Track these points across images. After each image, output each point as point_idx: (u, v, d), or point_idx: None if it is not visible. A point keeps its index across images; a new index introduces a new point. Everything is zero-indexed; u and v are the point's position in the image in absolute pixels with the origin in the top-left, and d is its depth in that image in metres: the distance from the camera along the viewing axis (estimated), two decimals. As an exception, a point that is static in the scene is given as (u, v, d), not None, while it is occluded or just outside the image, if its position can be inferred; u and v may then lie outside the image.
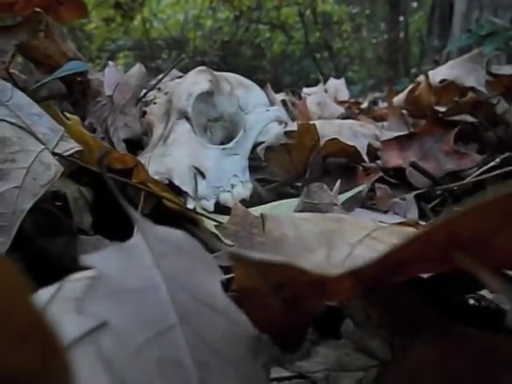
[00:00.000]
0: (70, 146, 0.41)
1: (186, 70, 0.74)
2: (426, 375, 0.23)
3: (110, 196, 0.29)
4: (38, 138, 0.37)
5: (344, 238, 0.31)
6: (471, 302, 0.37)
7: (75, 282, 0.21)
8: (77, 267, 0.34)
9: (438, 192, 0.69)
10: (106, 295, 0.19)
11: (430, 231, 0.15)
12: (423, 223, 0.45)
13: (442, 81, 0.84)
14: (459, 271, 0.22)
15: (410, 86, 0.92)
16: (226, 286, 0.24)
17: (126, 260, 0.22)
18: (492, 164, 0.70)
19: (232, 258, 0.20)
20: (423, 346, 0.23)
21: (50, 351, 0.13)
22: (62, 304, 0.19)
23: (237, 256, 0.20)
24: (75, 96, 0.72)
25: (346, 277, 0.19)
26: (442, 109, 0.78)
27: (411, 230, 0.33)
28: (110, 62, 0.78)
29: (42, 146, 0.36)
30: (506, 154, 0.71)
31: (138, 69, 0.79)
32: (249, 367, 0.20)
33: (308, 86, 1.87)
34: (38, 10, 0.69)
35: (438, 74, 0.85)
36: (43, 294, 0.20)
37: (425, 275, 0.30)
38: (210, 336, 0.20)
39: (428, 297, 0.30)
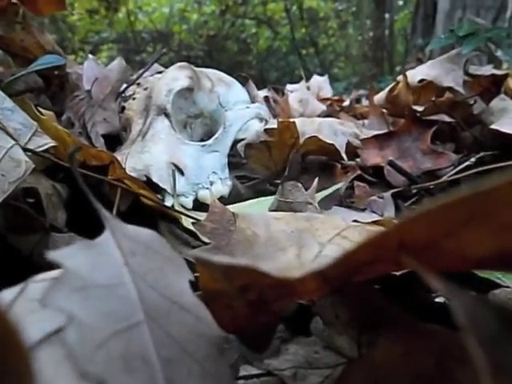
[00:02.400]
0: (44, 142, 0.40)
1: (170, 64, 0.73)
2: (389, 372, 0.23)
3: (85, 193, 0.29)
4: (8, 134, 0.36)
5: (315, 237, 0.31)
6: (441, 299, 0.38)
7: (39, 282, 0.21)
8: (48, 265, 0.34)
9: (415, 190, 0.70)
10: (73, 290, 0.19)
11: (381, 236, 0.16)
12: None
13: (421, 80, 0.85)
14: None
15: (391, 85, 0.93)
16: (196, 285, 0.24)
17: (94, 257, 0.22)
18: (467, 163, 0.71)
19: (197, 262, 0.20)
20: (387, 344, 0.24)
21: (11, 349, 0.13)
22: (26, 304, 0.19)
23: (201, 259, 0.20)
24: (53, 90, 0.71)
25: (309, 278, 0.20)
26: (420, 108, 0.79)
27: (382, 229, 0.34)
28: (90, 56, 0.77)
29: (13, 142, 0.35)
30: (481, 154, 0.72)
31: (118, 63, 0.78)
32: (214, 365, 0.20)
33: (294, 82, 1.87)
34: (14, 1, 0.67)
35: (417, 74, 0.86)
36: (6, 295, 0.20)
37: (397, 273, 0.30)
38: (177, 333, 0.20)
39: (396, 295, 0.31)
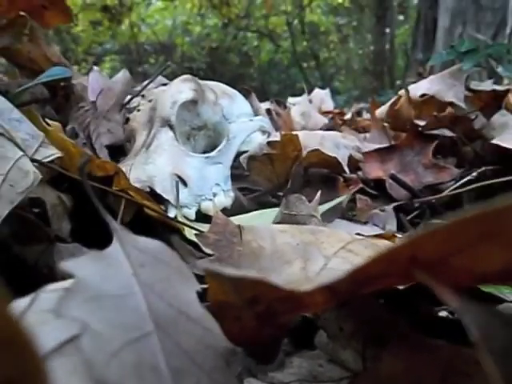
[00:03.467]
0: (50, 153, 0.41)
1: (173, 76, 0.74)
2: (394, 387, 0.23)
3: (89, 204, 0.30)
4: (17, 144, 0.36)
5: (320, 250, 0.32)
6: (444, 314, 0.38)
7: (49, 293, 0.21)
8: (54, 275, 0.34)
9: (417, 204, 0.70)
10: (85, 300, 0.19)
11: (394, 251, 0.16)
12: (399, 235, 0.46)
13: (423, 95, 0.86)
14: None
15: (393, 99, 0.94)
16: (203, 295, 0.24)
17: (104, 268, 0.22)
18: (469, 178, 0.72)
19: (206, 274, 0.21)
20: (391, 358, 0.24)
21: (26, 357, 0.13)
22: (37, 315, 0.20)
23: (211, 271, 0.20)
24: (58, 101, 0.72)
25: (317, 291, 0.20)
26: (422, 123, 0.79)
27: (386, 243, 0.34)
28: (95, 67, 0.78)
29: (21, 153, 0.35)
30: (483, 169, 0.73)
31: (122, 74, 0.79)
32: (222, 376, 0.20)
33: (294, 94, 1.89)
34: (22, 13, 0.68)
35: (418, 89, 0.87)
36: (17, 305, 0.20)
37: (400, 287, 0.30)
38: (185, 344, 0.20)
39: (400, 309, 0.31)
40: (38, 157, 0.39)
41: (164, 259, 0.24)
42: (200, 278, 0.24)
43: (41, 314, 0.18)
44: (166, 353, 0.18)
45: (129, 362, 0.16)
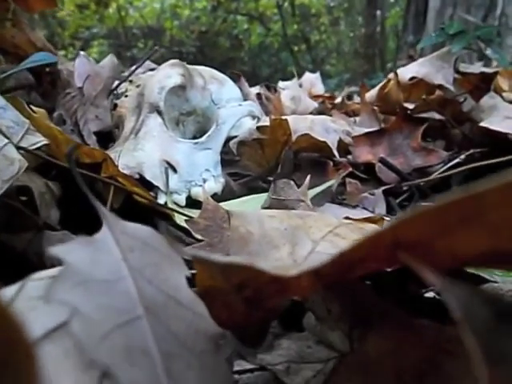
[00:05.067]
0: (37, 140, 0.40)
1: (162, 61, 0.73)
2: (380, 366, 0.24)
3: (78, 191, 0.29)
4: (1, 132, 0.36)
5: (308, 235, 0.32)
6: (429, 294, 0.38)
7: (38, 280, 0.21)
8: (42, 263, 0.34)
9: (406, 187, 0.70)
10: (74, 284, 0.19)
11: (377, 235, 0.16)
12: (388, 219, 0.47)
13: (412, 78, 0.86)
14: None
15: (382, 83, 0.94)
16: (192, 281, 0.25)
17: (93, 252, 0.22)
18: (457, 160, 0.72)
19: (194, 260, 0.21)
20: (378, 338, 0.25)
21: (14, 343, 0.14)
22: (26, 302, 0.20)
23: (198, 258, 0.20)
24: (44, 87, 0.71)
25: (304, 276, 0.20)
26: (411, 106, 0.79)
27: (373, 227, 0.35)
28: (81, 52, 0.77)
29: (6, 140, 0.35)
30: (471, 151, 0.73)
31: (110, 60, 0.78)
32: (212, 359, 0.21)
33: (285, 78, 1.87)
34: (4, -3, 0.67)
35: (407, 72, 0.87)
36: (5, 293, 0.20)
37: (388, 269, 0.31)
38: (175, 328, 0.20)
39: (387, 290, 0.31)
40: (23, 144, 0.39)
41: (153, 245, 0.24)
42: (189, 264, 0.25)
43: (30, 301, 0.18)
44: (156, 336, 0.18)
45: (119, 344, 0.17)
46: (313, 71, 1.92)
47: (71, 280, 0.19)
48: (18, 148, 0.37)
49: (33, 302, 0.18)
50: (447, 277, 0.16)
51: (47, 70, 0.71)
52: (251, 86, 1.18)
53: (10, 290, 0.20)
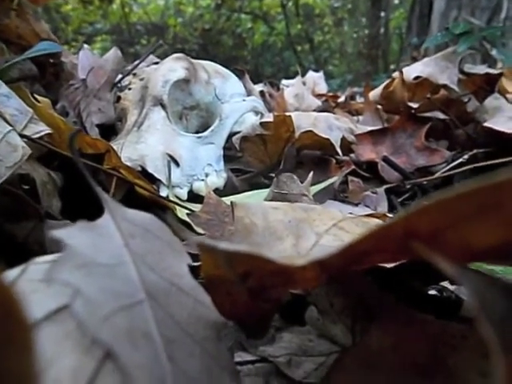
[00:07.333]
0: (40, 129, 0.40)
1: (165, 57, 0.73)
2: (382, 360, 0.24)
3: (80, 181, 0.29)
4: (5, 119, 0.36)
5: (312, 228, 0.32)
6: (433, 292, 0.38)
7: (40, 264, 0.21)
8: (44, 252, 0.34)
9: (408, 186, 0.70)
10: (76, 266, 0.19)
11: (389, 226, 0.16)
12: (391, 215, 0.46)
13: (417, 77, 0.85)
14: (421, 264, 0.23)
15: (386, 82, 0.94)
16: (194, 273, 0.24)
17: (95, 237, 0.22)
18: (460, 160, 0.72)
19: (199, 248, 0.20)
20: (380, 332, 0.24)
21: (13, 322, 0.13)
22: (28, 284, 0.19)
23: (204, 245, 0.20)
24: (47, 78, 0.71)
25: (310, 266, 0.20)
26: (415, 105, 0.79)
27: (377, 222, 0.34)
28: (85, 45, 0.77)
29: (10, 127, 0.35)
30: (474, 151, 0.73)
31: (113, 53, 0.78)
32: (214, 347, 0.21)
33: (288, 77, 1.87)
34: (10, -12, 0.66)
35: (412, 71, 0.86)
36: (7, 276, 0.20)
37: (388, 265, 0.31)
38: (177, 315, 0.20)
39: (390, 286, 0.31)
40: (27, 133, 0.39)
41: (155, 232, 0.24)
42: (193, 257, 0.24)
43: (31, 283, 0.18)
44: (157, 321, 0.18)
45: (121, 326, 0.16)
46: (316, 71, 1.92)
47: (73, 262, 0.19)
48: (21, 136, 0.37)
49: (35, 284, 0.18)
50: (465, 269, 0.15)
51: (51, 61, 0.70)
52: (254, 84, 1.18)
53: (11, 273, 0.20)
